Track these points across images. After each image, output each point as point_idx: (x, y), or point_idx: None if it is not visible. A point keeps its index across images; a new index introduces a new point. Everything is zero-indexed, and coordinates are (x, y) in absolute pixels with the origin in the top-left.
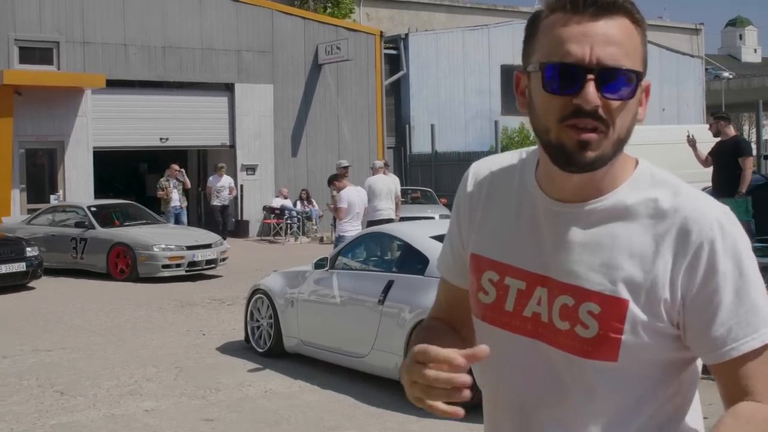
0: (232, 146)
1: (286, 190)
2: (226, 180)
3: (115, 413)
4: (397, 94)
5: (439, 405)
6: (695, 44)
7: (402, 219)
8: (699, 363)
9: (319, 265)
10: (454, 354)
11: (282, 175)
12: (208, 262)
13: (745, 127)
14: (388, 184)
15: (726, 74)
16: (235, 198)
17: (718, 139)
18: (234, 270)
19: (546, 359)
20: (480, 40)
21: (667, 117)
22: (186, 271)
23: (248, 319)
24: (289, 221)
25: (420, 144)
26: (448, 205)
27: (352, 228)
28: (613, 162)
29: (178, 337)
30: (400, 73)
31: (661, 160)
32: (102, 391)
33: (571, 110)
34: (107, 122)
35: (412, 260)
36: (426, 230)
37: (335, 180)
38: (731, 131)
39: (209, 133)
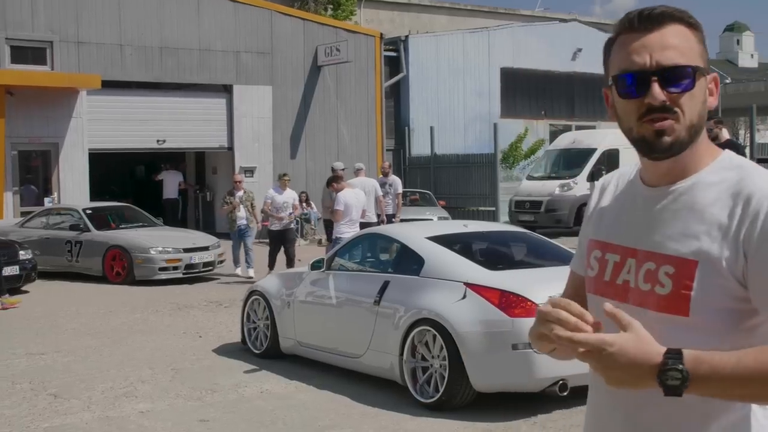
0: (231, 148)
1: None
2: (289, 195)
3: (109, 415)
4: (397, 97)
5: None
6: None
7: (402, 221)
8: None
9: (316, 266)
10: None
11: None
12: (206, 264)
13: (741, 132)
14: (366, 186)
15: (727, 80)
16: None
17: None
18: (231, 272)
19: (633, 318)
20: (480, 43)
21: None
22: (183, 273)
23: (245, 320)
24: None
25: (419, 146)
26: (447, 208)
27: (350, 230)
28: (693, 148)
29: (174, 340)
30: (400, 75)
31: None
32: (96, 393)
33: (645, 109)
34: (103, 124)
35: (408, 261)
36: (422, 231)
37: (333, 182)
38: (725, 135)
39: (207, 135)
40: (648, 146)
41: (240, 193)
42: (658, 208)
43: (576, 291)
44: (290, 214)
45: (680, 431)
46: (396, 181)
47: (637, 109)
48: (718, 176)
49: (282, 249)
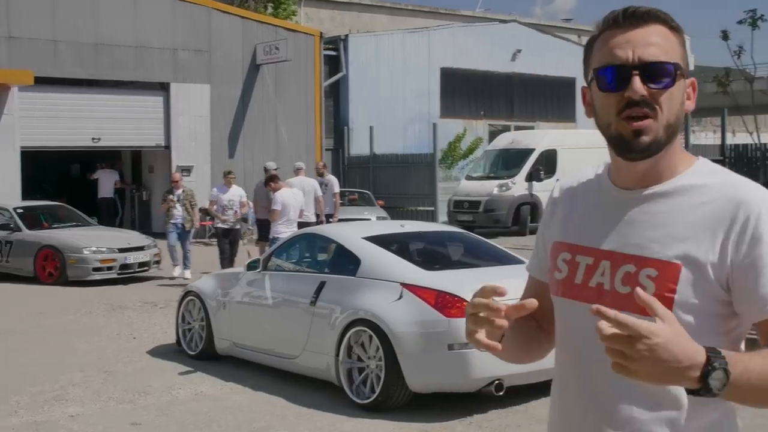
0: (167, 147)
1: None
2: (236, 192)
3: (37, 420)
4: (336, 96)
5: (482, 338)
6: None
7: (340, 220)
8: (743, 336)
9: (252, 266)
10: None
11: (218, 177)
12: (141, 264)
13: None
14: (305, 186)
15: None
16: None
17: None
18: (168, 272)
19: None
20: (420, 43)
21: None
22: (118, 274)
23: (180, 321)
24: None
25: (358, 146)
26: (386, 207)
27: (287, 230)
28: (670, 151)
29: (107, 342)
30: (340, 75)
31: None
32: (25, 397)
33: (624, 103)
34: (36, 121)
35: (344, 261)
36: (359, 232)
37: (271, 181)
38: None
39: (143, 133)
40: (625, 145)
41: (179, 192)
42: (635, 210)
43: (536, 294)
44: (236, 212)
45: None
46: (333, 180)
47: (617, 103)
48: (700, 181)
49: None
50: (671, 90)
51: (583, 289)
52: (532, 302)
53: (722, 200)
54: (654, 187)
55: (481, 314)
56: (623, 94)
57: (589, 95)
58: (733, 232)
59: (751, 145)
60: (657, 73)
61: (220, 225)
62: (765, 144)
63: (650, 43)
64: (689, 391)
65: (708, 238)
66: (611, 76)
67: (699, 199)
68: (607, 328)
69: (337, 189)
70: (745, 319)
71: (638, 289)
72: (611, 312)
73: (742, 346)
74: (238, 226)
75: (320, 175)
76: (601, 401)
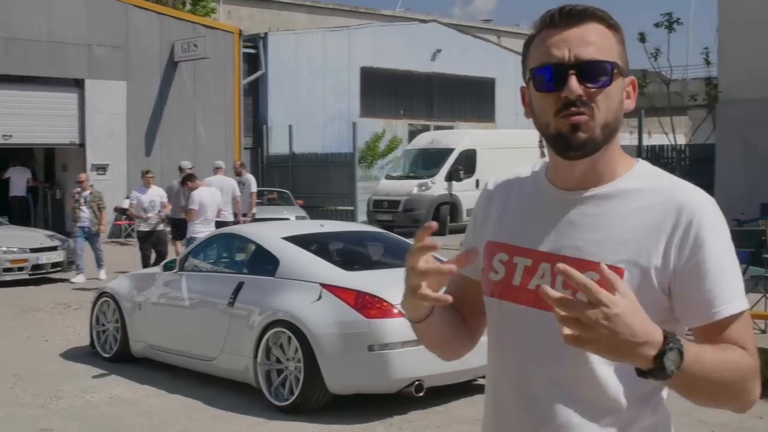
0: (82, 145)
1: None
2: (155, 193)
3: None
4: (255, 94)
5: (430, 292)
6: None
7: (256, 220)
8: None
9: (168, 267)
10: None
11: (135, 176)
12: (54, 265)
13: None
14: (224, 185)
15: None
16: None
17: None
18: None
19: (547, 325)
20: (340, 42)
21: (521, 121)
22: (30, 274)
23: (94, 323)
24: None
25: (278, 145)
26: (305, 207)
27: (204, 229)
28: (608, 152)
29: (17, 344)
30: (259, 73)
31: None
32: None
33: (562, 103)
34: None
35: (263, 261)
36: (277, 231)
37: (188, 180)
38: None
39: (57, 130)
40: (563, 142)
41: (86, 194)
42: (575, 212)
43: (463, 291)
44: (159, 212)
45: None
46: (250, 179)
47: (554, 103)
48: (641, 184)
49: (153, 251)
50: (609, 89)
51: (522, 292)
52: (473, 252)
53: (663, 204)
54: (593, 189)
55: (423, 279)
56: (560, 94)
57: (527, 96)
58: (676, 236)
59: (667, 146)
60: (594, 72)
61: (142, 228)
62: (680, 145)
63: (587, 41)
64: (639, 373)
65: (651, 243)
66: (548, 76)
67: (640, 202)
68: (553, 291)
69: (254, 188)
70: (683, 324)
71: (603, 265)
72: (576, 273)
73: None
74: (160, 227)
75: (238, 174)
76: (538, 405)
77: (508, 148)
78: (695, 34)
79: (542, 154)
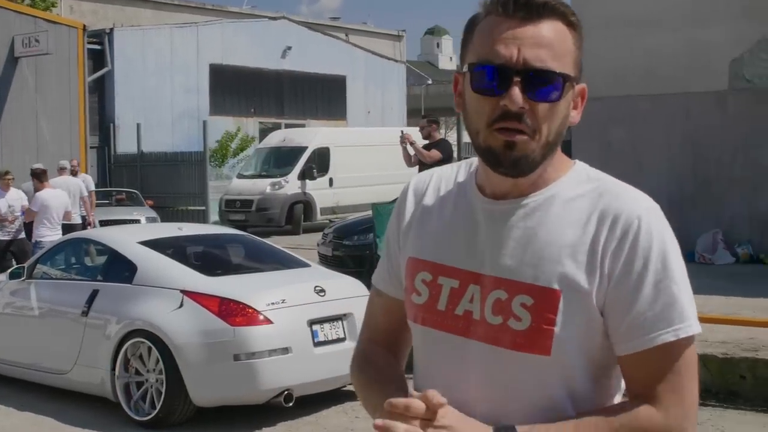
0: None
1: None
2: (15, 195)
3: None
4: (102, 92)
5: None
6: (398, 50)
7: (104, 223)
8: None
9: (15, 274)
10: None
11: None
12: None
13: (443, 131)
14: (71, 187)
15: (429, 81)
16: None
17: (426, 142)
18: None
19: (478, 357)
20: (188, 38)
21: (372, 119)
22: None
23: None
24: None
25: (125, 144)
26: (156, 207)
27: (51, 234)
28: (546, 164)
29: None
30: (105, 70)
31: (367, 161)
32: None
33: (499, 113)
34: None
35: (119, 267)
36: (133, 235)
37: (37, 178)
38: (438, 135)
39: None
40: (495, 159)
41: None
42: (507, 225)
43: (388, 314)
44: (21, 216)
45: None
46: (88, 179)
47: (491, 110)
48: (578, 190)
49: (14, 262)
50: (556, 104)
51: (448, 318)
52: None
53: (600, 213)
54: (526, 198)
55: None
56: (499, 102)
57: (461, 84)
58: (609, 249)
59: None
60: (542, 83)
61: (0, 236)
62: None
63: (541, 43)
64: None
65: (587, 258)
66: (489, 77)
67: (575, 212)
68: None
69: (92, 187)
70: (615, 351)
71: (429, 392)
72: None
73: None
74: (22, 235)
75: (74, 174)
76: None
77: (361, 146)
78: None
79: (405, 152)
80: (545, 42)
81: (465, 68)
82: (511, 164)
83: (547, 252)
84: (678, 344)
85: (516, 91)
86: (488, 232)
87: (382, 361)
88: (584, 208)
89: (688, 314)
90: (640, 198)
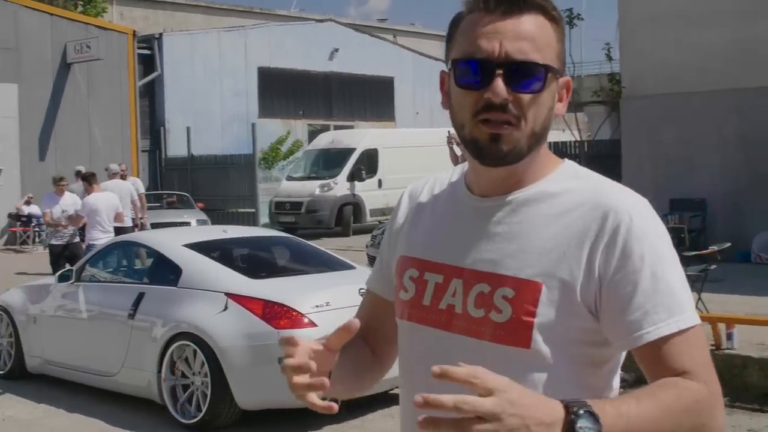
0: None
1: (31, 196)
2: (69, 201)
3: None
4: (152, 96)
5: (315, 400)
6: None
7: (155, 225)
8: (617, 367)
9: (64, 277)
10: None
11: (29, 180)
12: None
13: None
14: (122, 191)
15: None
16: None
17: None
18: None
19: (460, 350)
20: (236, 42)
21: (420, 120)
22: None
23: None
24: (37, 229)
25: (176, 147)
26: (206, 210)
27: (103, 236)
28: (533, 156)
29: None
30: (155, 74)
31: (416, 162)
32: None
33: (482, 105)
34: None
35: (164, 270)
36: (179, 238)
37: (87, 181)
38: None
39: None
40: (480, 151)
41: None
42: (493, 220)
43: (373, 313)
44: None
45: None
46: (137, 182)
47: (475, 103)
48: (566, 186)
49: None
50: (540, 95)
51: (432, 312)
52: (354, 324)
53: (589, 208)
54: (514, 193)
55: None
56: (483, 95)
57: (447, 83)
58: (600, 244)
59: (571, 142)
60: (524, 74)
61: (54, 241)
62: (585, 141)
63: (522, 36)
64: None
65: (574, 253)
66: (473, 72)
67: (563, 207)
68: (442, 400)
69: (142, 190)
70: (615, 348)
71: (449, 368)
72: (455, 371)
73: (616, 379)
74: (76, 240)
75: (122, 177)
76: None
77: (409, 147)
78: (588, 31)
79: (452, 152)
80: (527, 35)
81: (449, 66)
82: (497, 157)
83: (532, 246)
84: (679, 333)
85: (499, 83)
86: (474, 228)
87: (352, 342)
88: (571, 203)
89: (684, 305)
90: (629, 193)
